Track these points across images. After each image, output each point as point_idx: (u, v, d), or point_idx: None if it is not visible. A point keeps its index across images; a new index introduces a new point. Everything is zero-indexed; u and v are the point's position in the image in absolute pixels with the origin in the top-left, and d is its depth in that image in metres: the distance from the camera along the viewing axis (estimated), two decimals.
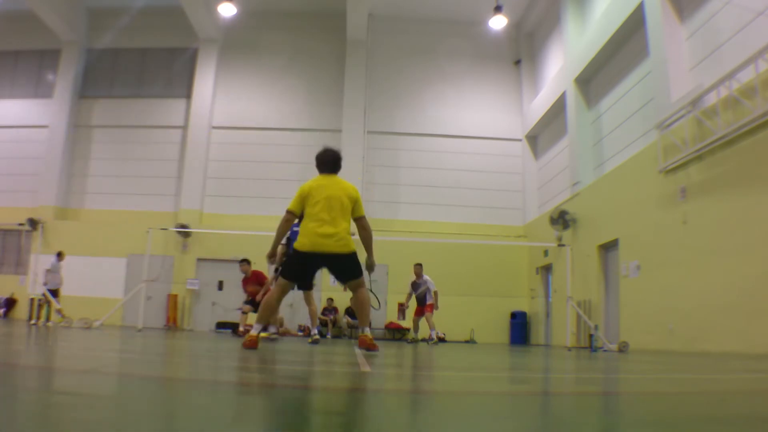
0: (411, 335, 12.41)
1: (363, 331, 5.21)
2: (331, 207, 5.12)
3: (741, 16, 8.51)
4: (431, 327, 11.95)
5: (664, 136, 9.88)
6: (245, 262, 11.41)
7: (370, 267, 5.49)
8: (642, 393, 2.71)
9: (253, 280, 11.27)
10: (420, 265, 11.90)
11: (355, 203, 5.22)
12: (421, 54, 18.52)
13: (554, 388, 3.02)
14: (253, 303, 11.33)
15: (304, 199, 5.19)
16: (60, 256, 13.36)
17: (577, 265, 12.88)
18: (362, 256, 5.36)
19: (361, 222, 5.26)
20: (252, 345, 4.89)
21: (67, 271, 13.57)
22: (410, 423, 1.60)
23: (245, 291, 11.39)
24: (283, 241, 6.78)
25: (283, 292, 5.30)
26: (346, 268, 5.14)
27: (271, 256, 5.67)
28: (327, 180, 5.34)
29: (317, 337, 8.10)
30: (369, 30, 18.21)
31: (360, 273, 5.18)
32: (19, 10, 17.99)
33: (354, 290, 5.26)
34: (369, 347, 5.10)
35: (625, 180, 11.43)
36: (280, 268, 6.68)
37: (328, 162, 5.65)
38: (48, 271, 13.19)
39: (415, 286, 11.85)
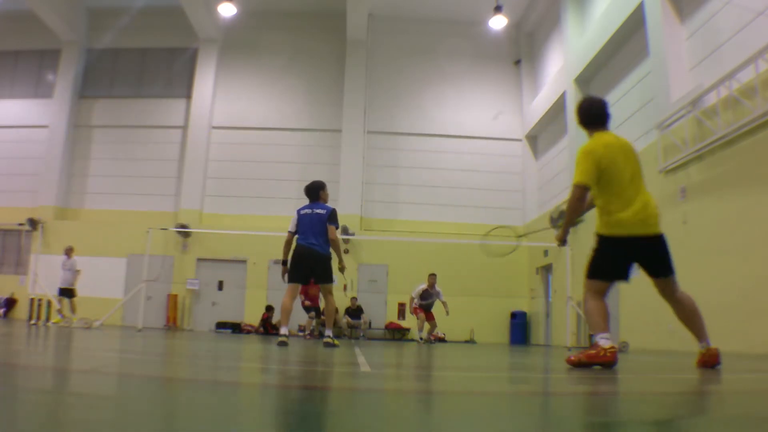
0: (424, 335, 12.55)
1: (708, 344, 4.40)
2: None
3: (741, 16, 8.51)
4: (431, 330, 12.18)
5: (664, 136, 9.88)
6: None
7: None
8: (642, 393, 2.71)
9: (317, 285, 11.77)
10: (434, 275, 12.11)
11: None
12: (421, 54, 18.51)
13: (554, 388, 3.02)
14: (316, 309, 12.21)
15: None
16: (68, 252, 13.15)
17: (577, 265, 12.86)
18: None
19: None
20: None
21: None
22: (410, 423, 1.60)
23: (308, 294, 12.00)
24: (291, 228, 6.94)
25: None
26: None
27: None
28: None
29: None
30: (369, 30, 18.20)
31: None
32: (19, 10, 17.99)
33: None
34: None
35: None
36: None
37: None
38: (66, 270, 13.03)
39: (426, 295, 12.06)
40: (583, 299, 4.24)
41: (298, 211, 6.88)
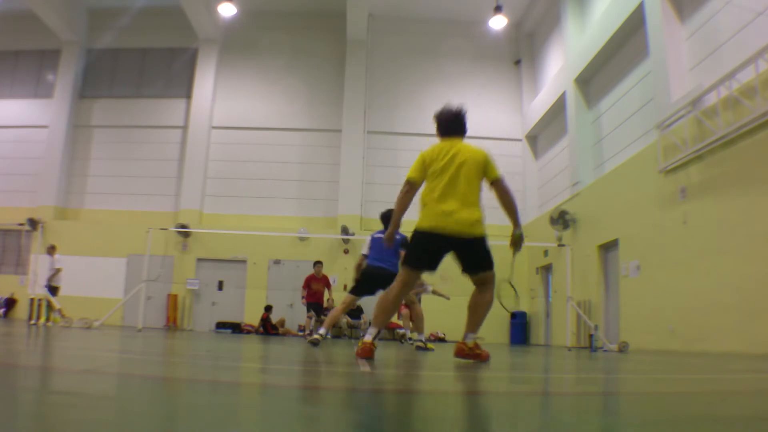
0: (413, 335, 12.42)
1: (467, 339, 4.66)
2: None
3: (741, 16, 8.51)
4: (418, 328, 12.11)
5: (664, 136, 9.88)
6: (320, 263, 12.68)
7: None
8: (642, 393, 2.71)
9: (322, 281, 12.43)
10: None
11: None
12: (421, 54, 18.51)
13: (554, 388, 3.02)
14: (316, 308, 12.35)
15: None
16: (50, 250, 13.21)
17: (577, 265, 12.87)
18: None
19: None
20: (366, 354, 4.21)
21: (67, 270, 13.50)
22: (410, 423, 1.60)
23: (310, 289, 12.37)
24: (364, 251, 7.24)
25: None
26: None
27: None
28: None
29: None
30: (369, 30, 18.20)
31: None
32: (19, 10, 17.99)
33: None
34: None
35: (625, 180, 11.43)
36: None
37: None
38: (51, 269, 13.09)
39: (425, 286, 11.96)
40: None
41: (372, 237, 7.22)
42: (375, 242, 7.06)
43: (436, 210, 4.32)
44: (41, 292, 13.29)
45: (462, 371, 3.83)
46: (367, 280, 6.92)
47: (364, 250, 7.21)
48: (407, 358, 5.41)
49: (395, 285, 4.42)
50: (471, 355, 4.61)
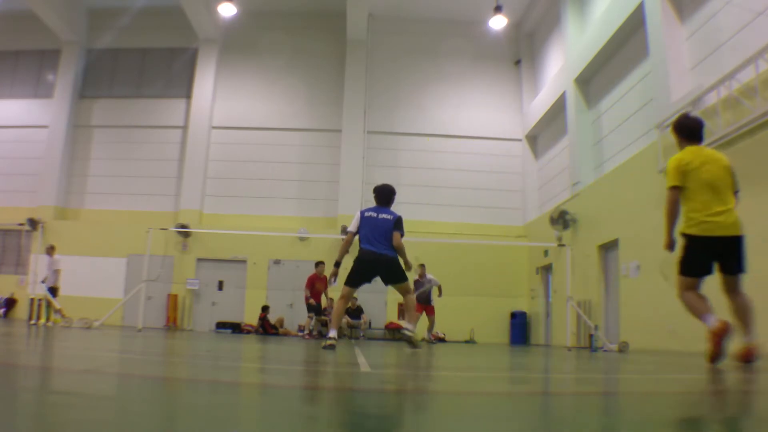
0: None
1: (749, 340, 4.61)
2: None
3: (741, 16, 8.51)
4: (430, 328, 12.11)
5: (664, 136, 9.87)
6: (322, 263, 12.70)
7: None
8: (642, 393, 2.71)
9: (323, 281, 12.49)
10: (423, 265, 12.17)
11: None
12: (421, 54, 18.51)
13: (555, 388, 3.02)
14: (315, 309, 12.44)
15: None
16: (49, 251, 13.17)
17: (577, 265, 12.87)
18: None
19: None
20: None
21: (67, 270, 13.50)
22: (410, 423, 1.60)
23: (313, 289, 12.46)
24: (352, 228, 6.73)
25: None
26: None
27: None
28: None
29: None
30: (369, 30, 18.20)
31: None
32: (19, 10, 17.99)
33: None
34: (751, 356, 4.49)
35: (625, 180, 11.42)
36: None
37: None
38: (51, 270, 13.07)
39: (418, 284, 11.92)
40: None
41: (362, 213, 6.63)
42: (366, 221, 6.52)
43: None
44: (41, 292, 13.27)
45: (461, 371, 3.83)
46: (363, 268, 6.43)
47: (352, 228, 6.61)
48: (407, 359, 5.41)
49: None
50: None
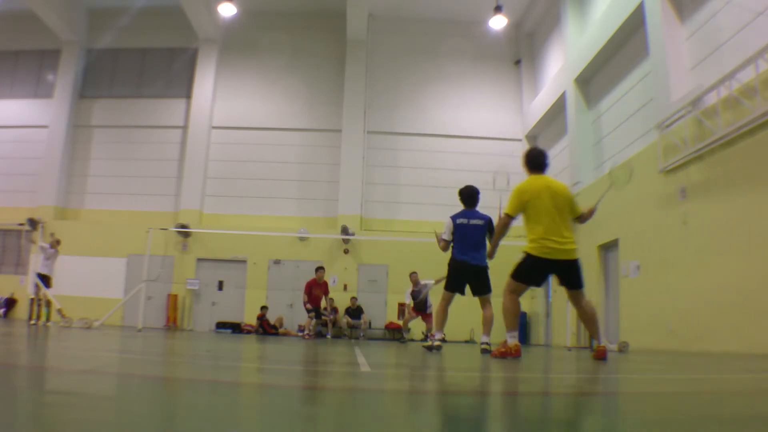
0: (406, 336, 12.45)
1: (599, 343, 5.34)
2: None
3: (741, 16, 8.51)
4: (429, 329, 12.10)
5: (664, 136, 9.88)
6: (322, 269, 12.89)
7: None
8: (642, 393, 2.71)
9: (322, 287, 12.67)
10: (415, 273, 12.06)
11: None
12: (421, 54, 18.51)
13: (555, 388, 3.02)
14: (315, 311, 12.57)
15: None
16: (54, 244, 12.91)
17: None
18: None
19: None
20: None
21: (67, 270, 13.49)
22: (410, 423, 1.60)
23: (311, 294, 12.56)
24: (446, 236, 6.81)
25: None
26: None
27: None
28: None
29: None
30: (369, 30, 18.20)
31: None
32: (19, 10, 17.99)
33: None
34: (603, 356, 5.24)
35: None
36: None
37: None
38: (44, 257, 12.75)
39: (415, 294, 11.90)
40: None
41: (454, 220, 6.69)
42: (459, 229, 6.62)
43: None
44: (53, 293, 13.01)
45: (461, 371, 3.84)
46: (459, 277, 6.59)
47: (447, 236, 6.71)
48: (407, 359, 5.42)
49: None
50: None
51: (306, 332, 12.57)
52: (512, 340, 5.09)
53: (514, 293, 5.21)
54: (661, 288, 9.74)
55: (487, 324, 6.77)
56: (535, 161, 5.42)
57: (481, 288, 6.66)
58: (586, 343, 11.88)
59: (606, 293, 12.34)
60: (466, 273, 6.53)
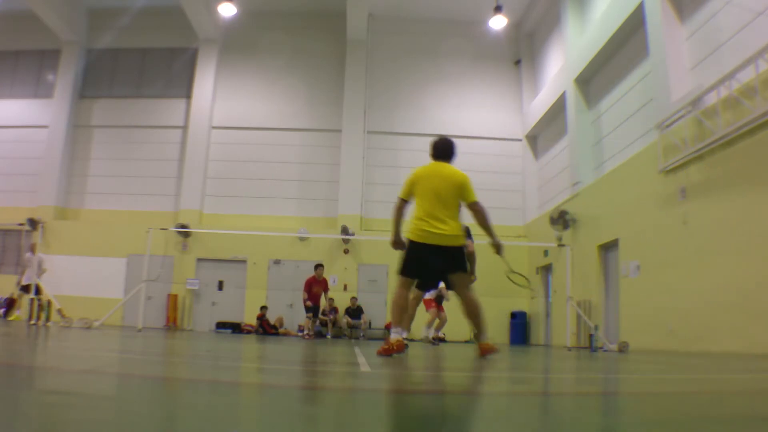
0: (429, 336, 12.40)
1: (482, 339, 5.30)
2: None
3: (741, 16, 8.51)
4: (428, 326, 12.00)
5: (664, 136, 9.88)
6: (321, 266, 12.95)
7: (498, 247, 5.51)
8: (642, 393, 2.71)
9: (322, 284, 12.70)
10: None
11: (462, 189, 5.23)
12: (421, 54, 18.51)
13: (555, 388, 3.02)
14: (314, 310, 12.64)
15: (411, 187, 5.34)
16: (32, 248, 13.15)
17: (577, 265, 12.87)
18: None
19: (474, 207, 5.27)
20: (389, 352, 4.89)
21: (67, 270, 13.49)
22: (410, 423, 1.60)
23: (310, 292, 12.62)
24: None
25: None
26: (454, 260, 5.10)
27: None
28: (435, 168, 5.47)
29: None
30: (369, 30, 18.20)
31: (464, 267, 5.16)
32: (19, 10, 17.99)
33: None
34: (489, 351, 5.24)
35: (625, 180, 11.43)
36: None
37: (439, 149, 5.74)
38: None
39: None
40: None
41: None
42: None
43: None
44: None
45: (461, 371, 3.84)
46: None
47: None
48: (407, 358, 5.42)
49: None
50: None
51: (306, 332, 12.56)
52: (395, 336, 4.97)
53: (401, 287, 5.11)
54: (661, 288, 9.74)
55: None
56: (435, 149, 5.60)
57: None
58: (586, 343, 11.88)
59: (606, 293, 12.34)
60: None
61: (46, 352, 4.16)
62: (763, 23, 8.02)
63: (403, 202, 5.28)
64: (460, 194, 5.15)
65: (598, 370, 4.57)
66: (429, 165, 5.46)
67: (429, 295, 11.84)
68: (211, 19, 17.83)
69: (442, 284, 11.96)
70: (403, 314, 5.16)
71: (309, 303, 12.50)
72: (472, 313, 5.24)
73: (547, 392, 2.75)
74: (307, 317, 12.61)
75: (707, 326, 8.46)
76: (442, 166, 5.41)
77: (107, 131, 18.63)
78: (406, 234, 5.17)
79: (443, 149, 5.59)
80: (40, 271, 12.88)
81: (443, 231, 4.91)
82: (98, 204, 18.03)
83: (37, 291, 12.65)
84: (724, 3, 8.81)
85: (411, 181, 5.27)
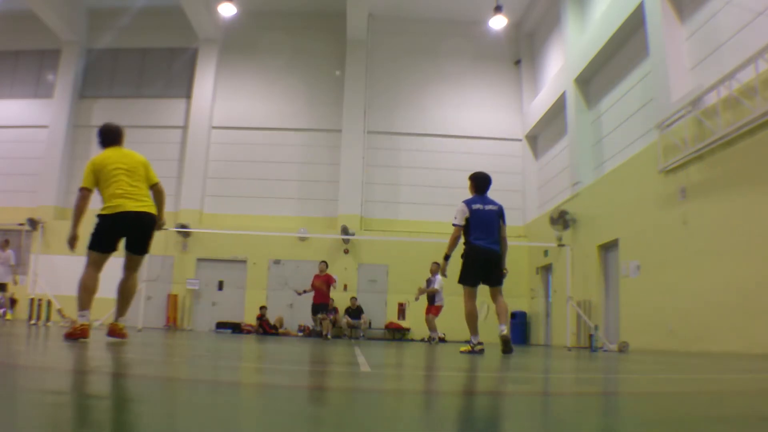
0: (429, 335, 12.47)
1: (116, 320, 5.39)
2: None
3: (741, 16, 8.51)
4: (431, 329, 12.07)
5: (664, 136, 9.88)
6: (324, 262, 13.26)
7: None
8: (642, 393, 2.71)
9: (324, 279, 12.73)
10: (436, 264, 12.08)
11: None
12: (421, 54, 18.52)
13: (554, 388, 3.02)
14: (317, 308, 12.84)
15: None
16: (3, 245, 13.07)
17: (577, 265, 12.88)
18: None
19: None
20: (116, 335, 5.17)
21: (67, 271, 13.44)
22: (410, 423, 1.60)
23: (313, 286, 12.85)
24: (459, 221, 6.50)
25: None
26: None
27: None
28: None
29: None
30: (369, 30, 18.20)
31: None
32: (19, 10, 17.99)
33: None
34: (118, 335, 5.32)
35: (625, 180, 11.43)
36: None
37: None
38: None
39: (429, 282, 11.96)
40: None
41: (469, 205, 6.39)
42: (475, 214, 6.30)
43: None
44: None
45: (461, 371, 3.84)
46: (480, 265, 6.22)
47: (459, 221, 6.38)
48: (407, 359, 5.42)
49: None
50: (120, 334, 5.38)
51: (325, 333, 12.66)
52: (81, 319, 5.07)
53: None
54: (661, 288, 9.74)
55: (503, 313, 6.54)
56: (101, 137, 5.72)
57: (499, 277, 6.37)
58: (586, 343, 11.88)
59: (606, 293, 12.34)
60: (488, 260, 6.22)
61: (45, 352, 4.16)
62: (763, 23, 8.02)
63: (87, 192, 5.48)
64: (146, 175, 5.52)
65: (598, 370, 4.57)
66: (104, 152, 5.53)
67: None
68: (211, 19, 17.83)
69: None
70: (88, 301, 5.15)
71: (301, 291, 12.88)
72: (127, 295, 5.48)
73: (547, 392, 2.75)
74: (320, 318, 12.71)
75: (707, 326, 8.46)
76: (117, 149, 5.52)
77: None
78: (100, 214, 5.30)
79: (113, 135, 5.77)
80: (12, 268, 12.94)
81: (140, 201, 5.28)
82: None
83: (2, 287, 12.74)
84: (724, 3, 8.81)
85: (92, 170, 5.38)
